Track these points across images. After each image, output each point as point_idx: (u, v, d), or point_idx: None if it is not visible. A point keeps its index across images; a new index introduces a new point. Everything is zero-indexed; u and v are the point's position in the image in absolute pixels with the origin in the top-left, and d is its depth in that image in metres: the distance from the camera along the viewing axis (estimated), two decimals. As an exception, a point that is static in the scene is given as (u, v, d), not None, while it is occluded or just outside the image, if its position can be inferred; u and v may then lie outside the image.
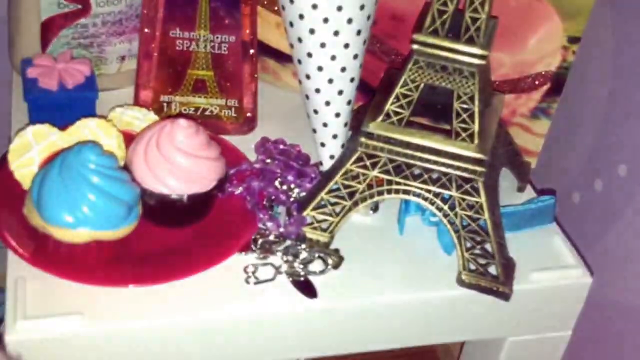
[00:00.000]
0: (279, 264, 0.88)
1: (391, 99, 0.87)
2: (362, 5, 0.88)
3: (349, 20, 0.88)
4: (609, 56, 1.09)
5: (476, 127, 0.86)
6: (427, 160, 0.87)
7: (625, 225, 1.05)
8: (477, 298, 0.88)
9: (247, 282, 0.86)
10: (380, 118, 0.88)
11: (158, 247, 0.88)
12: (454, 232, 0.88)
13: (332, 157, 0.96)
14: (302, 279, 0.87)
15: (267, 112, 1.08)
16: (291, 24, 0.90)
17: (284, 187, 0.94)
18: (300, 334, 0.88)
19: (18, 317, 0.79)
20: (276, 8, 1.06)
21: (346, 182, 0.90)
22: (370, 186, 0.89)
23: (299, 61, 0.92)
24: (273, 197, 0.93)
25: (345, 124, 0.96)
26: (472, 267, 0.88)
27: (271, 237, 0.90)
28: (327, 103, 0.93)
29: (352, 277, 0.88)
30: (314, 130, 0.96)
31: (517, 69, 1.02)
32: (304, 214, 0.91)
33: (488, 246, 0.88)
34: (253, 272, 0.87)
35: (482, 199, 0.87)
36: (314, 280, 0.87)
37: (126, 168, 0.88)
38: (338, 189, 0.90)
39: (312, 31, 0.88)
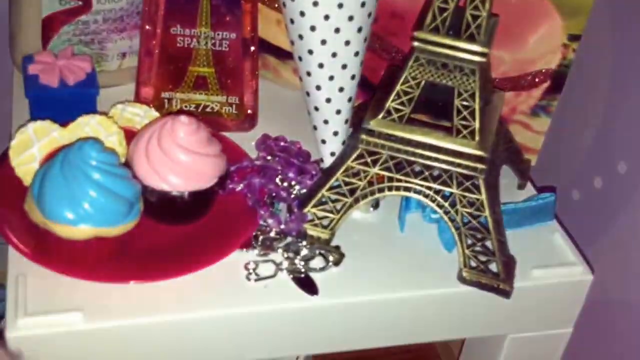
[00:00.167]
0: (280, 261, 0.88)
1: (392, 96, 0.87)
2: (363, 2, 0.88)
3: (350, 18, 0.88)
4: (609, 54, 1.09)
5: (477, 124, 0.86)
6: (428, 158, 0.87)
7: (625, 222, 1.05)
8: (478, 295, 0.88)
9: (248, 278, 0.86)
10: (381, 115, 0.88)
11: (159, 244, 0.88)
12: (455, 229, 0.88)
13: (332, 154, 0.96)
14: (302, 275, 0.87)
15: (268, 109, 1.08)
16: (292, 21, 0.90)
17: (285, 184, 0.95)
18: (300, 331, 0.88)
19: (19, 313, 0.79)
20: (277, 5, 1.06)
21: (347, 179, 0.90)
22: (371, 183, 0.89)
23: (300, 58, 0.92)
24: (274, 194, 0.93)
25: (346, 121, 0.96)
26: (473, 264, 0.88)
27: (272, 234, 0.90)
28: (328, 100, 0.93)
29: (353, 274, 0.88)
30: (315, 127, 0.96)
31: (518, 66, 1.02)
32: (305, 210, 0.91)
33: (489, 243, 0.88)
34: (254, 269, 0.87)
35: (483, 196, 0.87)
36: (315, 277, 0.87)
37: (127, 165, 0.88)
38: (339, 186, 0.90)
39: (312, 28, 0.89)
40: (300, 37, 0.90)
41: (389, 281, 0.88)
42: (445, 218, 0.88)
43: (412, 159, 0.88)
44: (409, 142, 0.87)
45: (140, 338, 0.83)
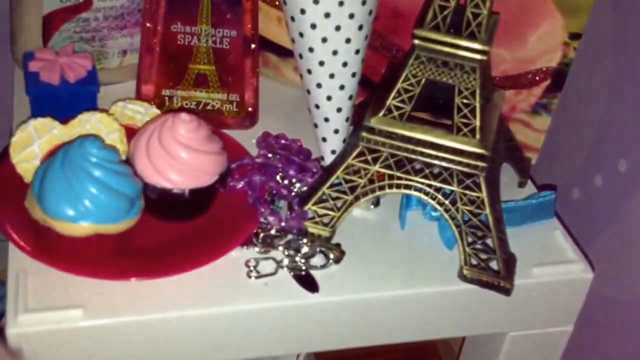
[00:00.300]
0: (281, 259, 0.88)
1: (393, 94, 0.87)
2: (364, 0, 0.88)
3: (351, 16, 0.88)
4: (610, 52, 1.09)
5: (477, 122, 0.86)
6: (429, 155, 0.87)
7: (625, 220, 1.05)
8: (479, 293, 0.89)
9: (249, 276, 0.86)
10: (382, 113, 0.88)
11: (160, 241, 0.88)
12: (456, 227, 0.88)
13: (333, 152, 0.96)
14: (303, 273, 0.87)
15: (269, 107, 1.08)
16: (292, 19, 0.90)
17: (286, 182, 0.95)
18: (301, 328, 0.88)
19: (19, 310, 0.79)
20: (277, 3, 1.06)
21: (347, 177, 0.90)
22: (371, 181, 0.90)
23: (301, 56, 0.92)
24: (274, 192, 0.93)
25: (347, 119, 0.96)
26: (474, 262, 0.88)
27: (273, 232, 0.90)
28: (329, 98, 0.93)
29: (353, 271, 0.88)
30: (316, 125, 0.96)
31: (518, 65, 1.02)
32: (306, 208, 0.91)
33: (489, 241, 0.88)
34: (254, 266, 0.87)
35: (484, 194, 0.87)
36: (316, 274, 0.87)
37: (128, 162, 0.88)
38: (339, 184, 0.90)
39: (313, 26, 0.89)
40: (301, 34, 0.90)
41: (389, 279, 0.88)
42: (446, 216, 0.88)
43: (413, 156, 0.88)
44: (409, 140, 0.87)
45: (140, 335, 0.83)
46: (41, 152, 0.87)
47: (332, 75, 0.92)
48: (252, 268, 0.87)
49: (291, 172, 0.95)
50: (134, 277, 0.83)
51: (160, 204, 0.88)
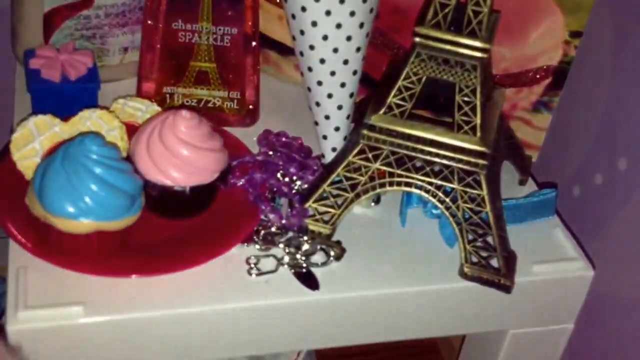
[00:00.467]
0: (281, 256, 0.88)
1: (393, 92, 0.87)
2: (365, -2, 0.88)
3: (352, 13, 0.88)
4: (611, 50, 1.09)
5: (478, 120, 0.86)
6: (429, 153, 0.87)
7: (625, 219, 1.05)
8: (479, 291, 0.89)
9: (249, 273, 0.86)
10: (383, 110, 0.88)
11: (160, 238, 0.88)
12: (456, 225, 0.88)
13: (334, 149, 0.96)
14: (304, 270, 0.87)
15: (269, 105, 1.08)
16: (293, 17, 0.90)
17: (286, 179, 0.95)
18: (301, 326, 0.88)
19: (19, 307, 0.79)
20: (278, 0, 1.06)
21: (348, 174, 0.90)
22: (372, 178, 0.90)
23: (301, 53, 0.92)
24: (275, 189, 0.93)
25: (348, 117, 0.96)
26: (474, 259, 0.88)
27: (273, 229, 0.90)
28: (330, 95, 0.93)
29: (354, 269, 0.88)
30: (316, 123, 0.96)
31: (519, 63, 1.02)
32: (306, 206, 0.91)
33: (490, 239, 0.88)
34: (255, 264, 0.87)
35: (484, 191, 0.87)
36: (316, 272, 0.87)
37: (129, 159, 0.88)
38: (340, 181, 0.90)
39: (314, 24, 0.89)
40: (302, 32, 0.90)
41: (390, 276, 0.88)
42: (447, 213, 0.88)
43: (413, 154, 0.88)
44: (410, 138, 0.87)
45: (141, 332, 0.83)
46: (42, 149, 0.87)
47: (333, 73, 0.92)
48: (252, 265, 0.87)
49: (292, 170, 0.95)
50: (135, 274, 0.83)
51: (161, 201, 0.88)
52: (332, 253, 0.89)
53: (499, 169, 0.93)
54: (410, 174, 0.88)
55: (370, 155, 0.89)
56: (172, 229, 0.89)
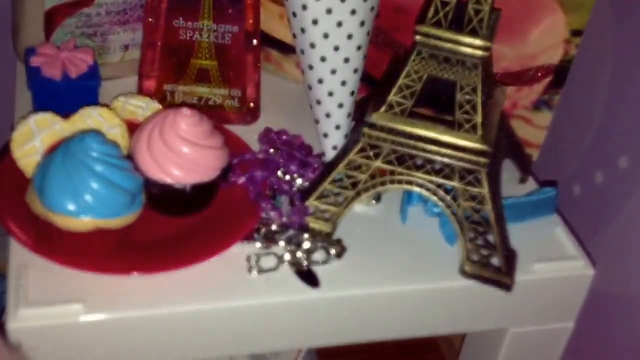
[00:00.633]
0: (282, 254, 0.88)
1: (394, 90, 0.87)
2: (366, -4, 0.88)
3: (353, 12, 0.88)
4: (611, 49, 1.09)
5: (479, 118, 0.86)
6: (430, 151, 0.87)
7: (625, 217, 1.05)
8: (479, 289, 0.89)
9: (250, 271, 0.86)
10: (383, 109, 0.88)
11: (161, 236, 0.88)
12: (457, 223, 0.88)
13: (335, 147, 0.96)
14: (304, 268, 0.87)
15: (270, 103, 1.08)
16: (294, 15, 0.90)
17: (287, 177, 0.95)
18: (302, 324, 0.88)
19: (20, 304, 0.79)
20: (279, -2, 1.06)
21: (349, 172, 0.90)
22: (373, 176, 0.90)
23: (302, 52, 0.92)
24: (276, 187, 0.93)
25: (349, 115, 0.96)
26: (475, 257, 0.88)
27: (274, 227, 0.90)
28: (330, 93, 0.93)
29: (355, 267, 0.88)
30: (317, 121, 0.96)
31: (519, 61, 1.02)
32: (307, 203, 0.91)
33: (490, 237, 0.88)
34: (256, 262, 0.87)
35: (485, 190, 0.87)
36: (317, 269, 0.87)
37: (129, 157, 0.88)
38: (341, 179, 0.90)
39: (315, 22, 0.89)
40: (303, 30, 0.90)
41: (390, 274, 0.88)
42: (447, 212, 0.88)
43: (414, 152, 0.88)
44: (410, 136, 0.87)
45: (141, 330, 0.83)
46: (42, 147, 0.87)
47: (333, 71, 0.92)
48: (253, 263, 0.87)
49: (292, 168, 0.95)
50: (135, 271, 0.83)
51: (161, 198, 0.88)
52: (332, 251, 0.89)
53: (500, 167, 0.93)
54: (411, 172, 0.88)
55: (371, 153, 0.89)
56: (172, 227, 0.89)
